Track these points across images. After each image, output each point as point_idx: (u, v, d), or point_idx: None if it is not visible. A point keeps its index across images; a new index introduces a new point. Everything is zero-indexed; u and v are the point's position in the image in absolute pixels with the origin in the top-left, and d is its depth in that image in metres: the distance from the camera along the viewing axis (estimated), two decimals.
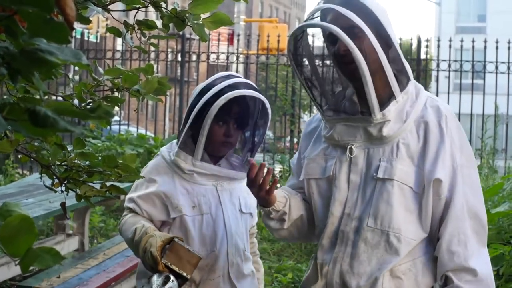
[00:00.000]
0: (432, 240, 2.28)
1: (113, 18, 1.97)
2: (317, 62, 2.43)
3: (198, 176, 2.74)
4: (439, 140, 2.24)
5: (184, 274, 2.50)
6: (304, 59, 2.43)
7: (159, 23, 2.07)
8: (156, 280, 2.47)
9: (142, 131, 11.05)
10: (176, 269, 2.50)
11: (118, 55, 11.49)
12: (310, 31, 2.42)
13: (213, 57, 11.25)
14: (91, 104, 2.00)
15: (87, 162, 2.01)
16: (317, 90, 2.41)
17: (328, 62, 2.43)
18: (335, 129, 2.33)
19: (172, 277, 2.47)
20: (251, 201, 2.83)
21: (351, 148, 2.30)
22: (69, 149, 2.03)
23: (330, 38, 2.29)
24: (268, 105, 2.74)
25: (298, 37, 2.38)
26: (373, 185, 2.26)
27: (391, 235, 2.22)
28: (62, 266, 4.53)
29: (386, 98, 2.25)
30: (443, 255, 2.20)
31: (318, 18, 2.29)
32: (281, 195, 2.45)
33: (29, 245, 1.10)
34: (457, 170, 2.23)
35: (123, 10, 1.91)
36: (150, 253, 2.50)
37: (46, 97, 1.71)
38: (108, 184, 1.99)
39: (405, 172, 2.23)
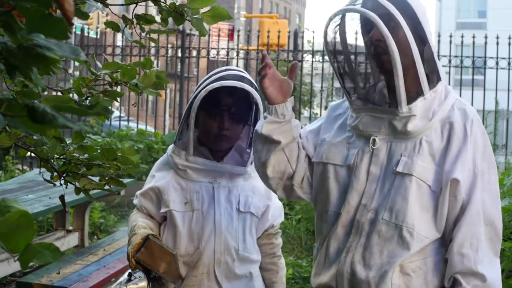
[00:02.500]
0: (445, 242, 2.28)
1: (113, 13, 1.96)
2: (351, 53, 2.41)
3: (193, 173, 2.72)
4: (462, 142, 2.24)
5: (155, 270, 2.55)
6: (339, 46, 2.38)
7: (158, 18, 2.06)
8: (122, 276, 2.54)
9: (142, 126, 11.03)
10: (148, 266, 2.55)
11: (118, 51, 11.48)
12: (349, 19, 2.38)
13: (213, 52, 11.24)
14: (89, 98, 2.00)
15: (86, 155, 2.00)
16: (349, 78, 2.39)
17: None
18: (360, 119, 2.32)
19: (138, 274, 2.53)
20: (255, 200, 2.78)
21: (374, 140, 2.30)
22: (68, 142, 2.03)
23: (365, 27, 2.29)
24: (256, 96, 2.69)
25: (335, 22, 2.35)
26: (392, 179, 2.27)
27: (404, 229, 2.23)
28: (62, 262, 4.52)
29: (414, 93, 2.25)
30: (453, 256, 2.21)
31: (359, 6, 2.27)
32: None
33: (28, 241, 1.10)
34: (478, 175, 2.24)
35: (122, 5, 1.90)
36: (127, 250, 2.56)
37: (45, 92, 1.71)
38: (107, 177, 1.99)
39: (425, 169, 2.24)
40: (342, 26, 2.36)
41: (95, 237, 7.53)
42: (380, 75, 2.37)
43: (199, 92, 2.66)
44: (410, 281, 2.24)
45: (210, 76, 2.70)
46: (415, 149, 2.26)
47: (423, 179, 2.24)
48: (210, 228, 2.69)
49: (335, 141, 2.41)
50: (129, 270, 2.57)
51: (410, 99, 2.24)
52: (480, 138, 2.28)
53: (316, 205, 2.47)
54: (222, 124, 2.70)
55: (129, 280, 2.52)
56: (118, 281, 2.53)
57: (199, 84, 2.74)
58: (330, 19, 2.33)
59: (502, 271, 4.76)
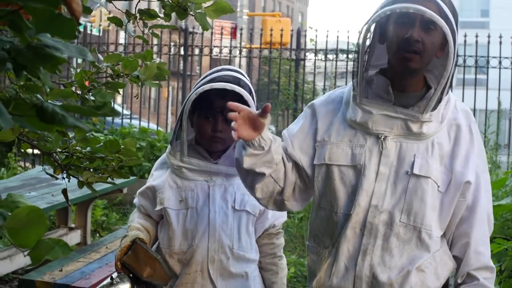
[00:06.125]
0: (445, 236, 2.36)
1: (116, 8, 1.96)
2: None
3: (189, 172, 2.73)
4: (469, 144, 2.31)
5: (139, 275, 2.59)
6: (371, 40, 2.33)
7: (162, 14, 2.07)
8: (106, 280, 2.60)
9: (144, 124, 11.05)
10: (132, 269, 2.60)
11: (120, 48, 11.49)
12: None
13: (216, 51, 11.24)
14: (92, 91, 2.00)
15: (89, 149, 2.01)
16: (365, 72, 2.34)
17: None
18: (371, 117, 2.28)
19: (121, 277, 2.58)
20: (251, 199, 2.70)
21: (385, 139, 2.28)
22: (70, 136, 2.03)
23: (405, 19, 2.21)
24: (248, 98, 2.63)
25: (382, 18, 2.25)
26: (405, 180, 2.27)
27: (423, 232, 2.27)
28: (64, 259, 4.52)
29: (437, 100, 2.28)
30: (470, 255, 2.30)
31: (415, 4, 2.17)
32: (269, 137, 2.32)
33: (39, 237, 1.10)
34: (480, 175, 2.31)
35: (125, 0, 1.90)
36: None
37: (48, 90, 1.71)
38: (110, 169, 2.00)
39: (438, 171, 2.27)
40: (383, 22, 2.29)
41: (97, 234, 7.53)
42: (396, 72, 2.31)
43: (191, 94, 2.67)
44: (425, 277, 2.28)
45: (205, 77, 2.70)
46: (428, 151, 2.27)
47: (436, 181, 2.27)
48: (204, 226, 2.69)
49: (336, 141, 2.36)
50: (113, 274, 2.60)
51: (434, 106, 2.26)
52: (478, 138, 2.35)
53: (320, 207, 2.43)
54: (215, 126, 2.70)
55: (111, 283, 2.55)
56: (101, 285, 2.57)
57: (195, 84, 2.75)
58: (382, 14, 2.22)
59: (504, 270, 4.75)
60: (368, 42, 2.31)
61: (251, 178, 2.37)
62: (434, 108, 2.25)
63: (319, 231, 2.43)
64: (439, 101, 2.26)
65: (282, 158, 2.38)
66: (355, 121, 2.32)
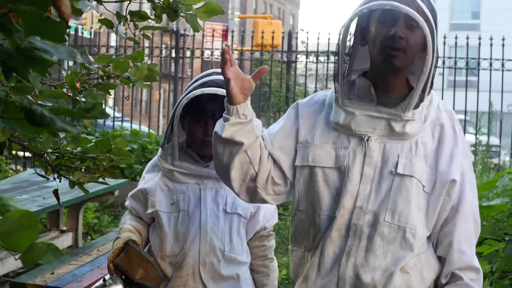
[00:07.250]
0: (430, 237, 2.34)
1: (107, 10, 1.96)
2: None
3: (180, 175, 2.74)
4: (453, 143, 2.30)
5: (131, 277, 2.59)
6: (353, 39, 2.35)
7: (153, 16, 2.07)
8: (99, 281, 2.61)
9: (136, 126, 11.03)
10: (125, 271, 2.60)
11: (112, 50, 11.47)
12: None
13: (207, 53, 11.23)
14: (82, 92, 2.00)
15: (80, 149, 2.01)
16: (347, 77, 2.36)
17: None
18: (354, 118, 2.28)
19: (113, 279, 2.58)
20: (243, 202, 2.68)
21: (368, 140, 2.28)
22: (61, 136, 2.03)
23: (387, 18, 2.22)
24: None
25: (362, 16, 2.29)
26: (390, 180, 2.26)
27: (408, 231, 2.26)
28: (56, 262, 4.51)
29: (418, 98, 2.27)
30: (453, 254, 2.29)
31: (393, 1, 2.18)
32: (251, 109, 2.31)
33: (32, 240, 1.10)
34: (464, 174, 2.31)
35: (116, 1, 1.90)
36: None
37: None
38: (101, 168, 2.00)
39: (422, 171, 2.27)
40: (363, 21, 2.31)
41: (89, 237, 7.51)
42: (381, 70, 2.31)
43: (182, 98, 2.67)
44: (410, 279, 2.27)
45: (196, 81, 2.72)
46: (412, 150, 2.27)
47: (421, 180, 2.26)
48: (195, 229, 2.70)
49: (320, 143, 2.35)
50: (106, 275, 2.60)
51: (416, 104, 2.26)
52: (462, 138, 2.34)
53: (299, 210, 2.41)
54: (206, 130, 2.71)
55: (104, 285, 2.55)
56: (94, 286, 2.58)
57: (186, 88, 2.76)
58: (360, 12, 2.25)
59: (495, 271, 4.75)
60: (348, 43, 2.33)
61: (228, 152, 2.30)
62: (416, 107, 2.25)
63: (299, 234, 2.42)
64: (421, 100, 2.26)
65: (260, 144, 2.35)
66: (338, 123, 2.31)
